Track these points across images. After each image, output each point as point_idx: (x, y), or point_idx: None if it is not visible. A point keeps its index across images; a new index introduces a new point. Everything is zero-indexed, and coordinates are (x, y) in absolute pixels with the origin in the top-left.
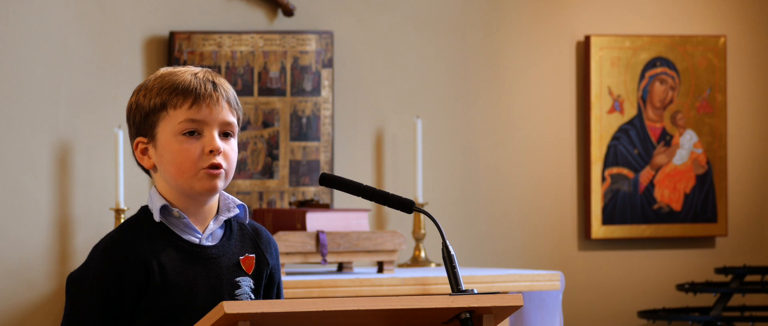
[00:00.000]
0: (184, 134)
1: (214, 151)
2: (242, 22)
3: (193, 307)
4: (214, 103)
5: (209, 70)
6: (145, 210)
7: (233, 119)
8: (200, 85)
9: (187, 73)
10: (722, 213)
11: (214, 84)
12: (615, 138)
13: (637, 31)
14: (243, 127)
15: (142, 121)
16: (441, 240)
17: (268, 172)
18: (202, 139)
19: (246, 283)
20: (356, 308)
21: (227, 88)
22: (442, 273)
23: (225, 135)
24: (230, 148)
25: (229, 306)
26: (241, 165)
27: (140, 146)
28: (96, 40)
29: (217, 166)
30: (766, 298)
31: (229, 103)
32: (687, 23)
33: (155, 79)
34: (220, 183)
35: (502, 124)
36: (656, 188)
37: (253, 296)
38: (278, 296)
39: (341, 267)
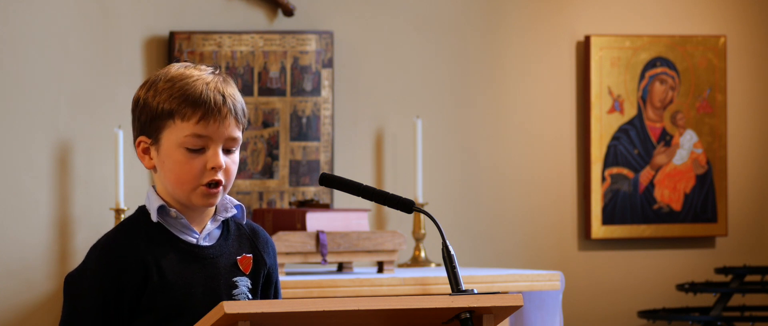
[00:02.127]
0: (188, 148)
1: (216, 168)
2: (242, 22)
3: (191, 307)
4: (221, 119)
5: (221, 76)
6: (142, 210)
7: (239, 134)
8: (211, 99)
9: (200, 81)
10: (722, 213)
11: (224, 97)
12: (615, 138)
13: (637, 31)
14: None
15: (147, 122)
16: (441, 240)
17: (268, 172)
18: (206, 154)
19: (243, 283)
20: (356, 308)
21: (236, 102)
22: (442, 273)
23: (229, 149)
24: (232, 162)
25: (229, 306)
26: (241, 165)
27: (142, 145)
28: (96, 40)
29: (217, 184)
30: (766, 298)
31: (236, 117)
32: (687, 23)
33: (166, 81)
34: (218, 199)
35: (502, 124)
36: (656, 188)
37: (250, 296)
38: (276, 296)
39: (341, 267)
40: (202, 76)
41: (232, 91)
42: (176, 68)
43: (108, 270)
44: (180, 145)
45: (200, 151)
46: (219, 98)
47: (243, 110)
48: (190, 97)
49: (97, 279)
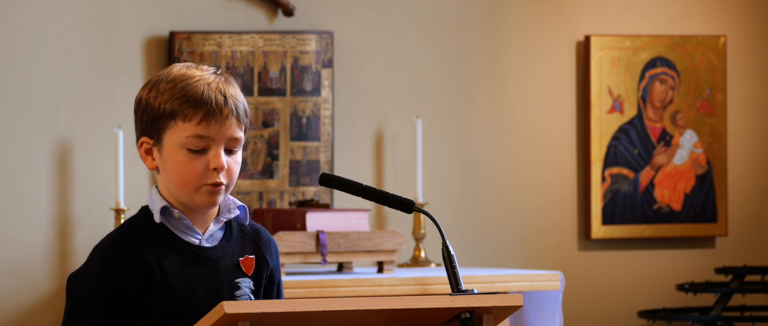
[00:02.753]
0: (190, 149)
1: (218, 169)
2: (242, 22)
3: (193, 308)
4: (223, 120)
5: (222, 77)
6: (145, 211)
7: (241, 134)
8: (212, 100)
9: (201, 81)
10: (722, 213)
11: (225, 98)
12: (615, 138)
13: (637, 31)
14: None
15: (149, 123)
16: (441, 240)
17: (268, 172)
18: (207, 155)
19: (246, 284)
20: (356, 308)
21: (238, 102)
22: (442, 273)
23: (231, 149)
24: (234, 162)
25: (229, 306)
26: (241, 165)
27: (145, 146)
28: (96, 40)
29: (219, 184)
30: (766, 298)
31: (237, 117)
32: (687, 23)
33: (168, 82)
34: (220, 198)
35: (502, 124)
36: (656, 188)
37: (252, 297)
38: (278, 296)
39: (341, 267)
40: (203, 76)
41: (234, 92)
42: (178, 68)
43: (110, 271)
44: (182, 146)
45: (202, 151)
46: (220, 99)
47: (245, 110)
48: (192, 97)
49: (100, 280)
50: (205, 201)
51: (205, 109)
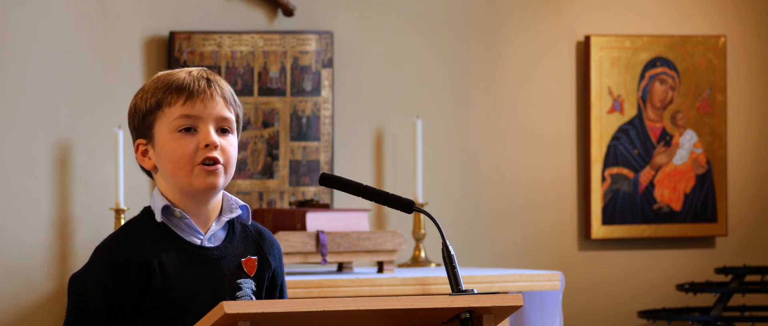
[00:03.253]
0: (180, 131)
1: (210, 145)
2: (242, 22)
3: (194, 309)
4: (208, 99)
5: (206, 69)
6: (147, 211)
7: (230, 115)
8: (194, 82)
9: (182, 72)
10: (722, 213)
11: (208, 80)
12: (615, 138)
13: (637, 31)
14: (243, 127)
15: (140, 123)
16: (441, 240)
17: (268, 172)
18: (198, 135)
19: (247, 285)
20: (356, 308)
21: (223, 85)
22: (442, 273)
23: (223, 131)
24: (228, 144)
25: (229, 306)
26: (241, 165)
27: (140, 148)
28: (96, 40)
29: (214, 161)
30: (766, 298)
31: (224, 98)
32: (687, 23)
33: (152, 81)
34: (219, 180)
35: (502, 124)
36: (656, 188)
37: (254, 298)
38: (281, 297)
39: (341, 267)
40: (185, 69)
41: (218, 78)
42: (162, 72)
43: (112, 271)
44: (172, 131)
45: (191, 131)
46: (203, 82)
47: (231, 95)
48: (174, 84)
49: (101, 280)
50: (203, 182)
51: (187, 90)
